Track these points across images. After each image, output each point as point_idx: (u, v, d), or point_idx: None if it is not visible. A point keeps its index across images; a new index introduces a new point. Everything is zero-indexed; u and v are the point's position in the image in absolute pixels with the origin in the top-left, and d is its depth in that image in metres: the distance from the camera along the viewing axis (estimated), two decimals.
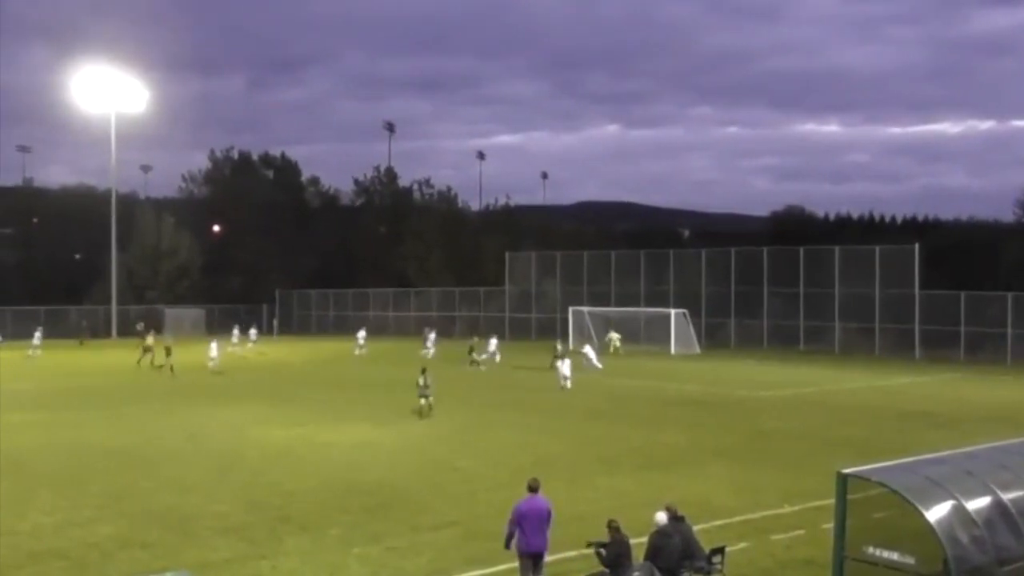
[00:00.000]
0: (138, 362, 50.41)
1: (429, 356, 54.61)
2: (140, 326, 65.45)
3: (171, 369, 45.84)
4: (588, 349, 51.48)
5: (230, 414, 33.47)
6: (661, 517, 14.02)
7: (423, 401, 32.56)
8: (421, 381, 32.82)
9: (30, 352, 57.58)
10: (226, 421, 31.90)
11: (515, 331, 72.86)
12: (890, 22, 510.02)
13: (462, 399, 36.31)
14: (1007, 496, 12.59)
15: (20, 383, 42.66)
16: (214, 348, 48.86)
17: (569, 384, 40.44)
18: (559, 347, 49.44)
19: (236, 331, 64.07)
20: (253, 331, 64.08)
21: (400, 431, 29.95)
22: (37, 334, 60.34)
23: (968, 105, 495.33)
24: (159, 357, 48.63)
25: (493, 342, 54.80)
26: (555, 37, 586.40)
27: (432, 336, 60.03)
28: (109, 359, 56.99)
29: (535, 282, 75.79)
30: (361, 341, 60.75)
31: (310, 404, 36.13)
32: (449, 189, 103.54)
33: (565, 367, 41.42)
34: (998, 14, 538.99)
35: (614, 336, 60.81)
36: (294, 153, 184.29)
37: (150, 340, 52.55)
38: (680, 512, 14.46)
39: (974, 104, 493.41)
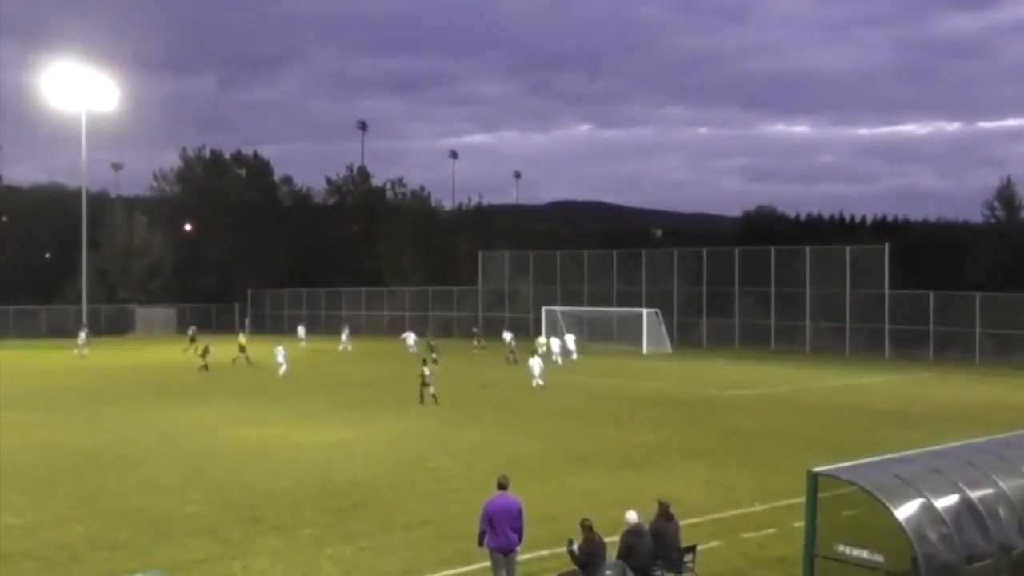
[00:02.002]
0: (233, 360, 51.29)
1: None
2: (192, 330, 65.38)
3: (247, 360, 50.20)
4: (510, 337, 55.38)
5: (205, 412, 33.35)
6: (632, 516, 14.08)
7: (428, 390, 35.37)
8: (426, 371, 36.02)
9: (77, 352, 58.27)
10: (201, 420, 31.76)
11: (488, 331, 72.77)
12: (858, 24, 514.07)
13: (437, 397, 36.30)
14: (975, 494, 12.71)
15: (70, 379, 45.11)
16: (280, 353, 46.45)
17: (542, 383, 40.48)
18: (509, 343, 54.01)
19: (301, 331, 68.17)
20: (301, 330, 68.43)
21: (374, 430, 29.91)
22: (82, 334, 60.84)
23: (935, 107, 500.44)
24: (232, 353, 50.72)
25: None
26: (528, 37, 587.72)
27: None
28: (154, 356, 59.14)
29: (508, 281, 75.81)
30: (344, 338, 62.95)
31: (285, 403, 36.01)
32: (422, 188, 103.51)
33: (535, 366, 41.35)
34: (964, 17, 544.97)
35: (541, 342, 52.98)
36: (266, 152, 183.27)
37: (243, 339, 54.67)
38: (671, 510, 14.64)
39: (941, 106, 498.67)
